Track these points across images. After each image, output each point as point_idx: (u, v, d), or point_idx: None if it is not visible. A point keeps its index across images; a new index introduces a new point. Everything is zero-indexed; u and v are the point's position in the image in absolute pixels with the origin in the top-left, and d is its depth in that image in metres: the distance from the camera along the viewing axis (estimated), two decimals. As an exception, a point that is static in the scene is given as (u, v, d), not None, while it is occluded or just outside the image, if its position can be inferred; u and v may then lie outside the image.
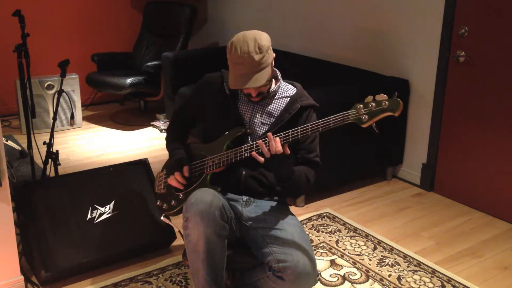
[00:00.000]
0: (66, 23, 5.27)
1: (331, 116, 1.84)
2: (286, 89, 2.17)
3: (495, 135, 3.18)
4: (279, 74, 2.18)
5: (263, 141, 1.90)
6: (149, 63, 4.77)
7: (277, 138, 1.88)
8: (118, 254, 2.62)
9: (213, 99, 2.14)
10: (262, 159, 1.90)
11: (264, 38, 1.97)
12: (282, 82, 2.18)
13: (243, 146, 1.98)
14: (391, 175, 3.80)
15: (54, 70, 4.14)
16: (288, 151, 1.92)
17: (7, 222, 2.31)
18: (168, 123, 2.45)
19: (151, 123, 4.96)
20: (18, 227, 2.55)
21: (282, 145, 1.88)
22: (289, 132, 1.89)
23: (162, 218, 2.18)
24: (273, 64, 2.04)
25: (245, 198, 2.11)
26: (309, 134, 1.88)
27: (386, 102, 1.78)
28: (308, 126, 1.88)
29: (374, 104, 1.79)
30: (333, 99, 3.34)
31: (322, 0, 4.19)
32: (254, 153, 1.91)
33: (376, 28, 3.78)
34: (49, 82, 4.63)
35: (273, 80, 2.12)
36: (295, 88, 2.18)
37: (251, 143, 1.98)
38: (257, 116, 2.10)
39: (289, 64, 4.29)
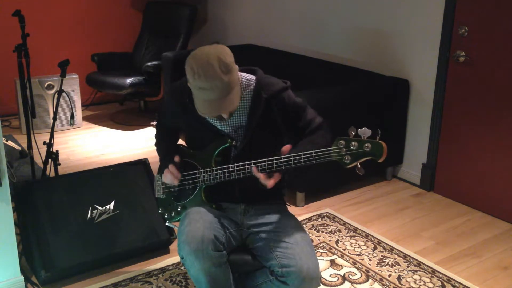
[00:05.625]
0: (66, 23, 5.27)
1: (313, 151, 1.76)
2: (245, 84, 1.96)
3: (495, 135, 3.18)
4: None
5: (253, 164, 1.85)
6: (149, 63, 4.77)
7: (262, 175, 1.82)
8: (118, 254, 2.62)
9: (184, 111, 2.01)
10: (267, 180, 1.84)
11: (227, 54, 1.80)
12: (239, 77, 1.94)
13: (231, 166, 1.92)
14: (391, 175, 3.80)
15: (54, 70, 4.14)
16: (270, 182, 1.84)
17: (7, 222, 2.31)
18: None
19: (151, 123, 4.96)
20: (18, 227, 2.55)
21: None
22: (272, 161, 1.82)
23: (167, 223, 2.19)
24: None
25: (243, 206, 2.06)
26: (292, 165, 1.79)
27: (369, 145, 1.66)
28: (290, 157, 1.80)
29: (356, 144, 1.68)
30: (333, 99, 3.35)
31: (322, 0, 4.19)
32: (261, 175, 1.83)
33: (376, 28, 3.78)
34: (49, 82, 4.63)
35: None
36: (253, 77, 1.98)
37: (237, 164, 1.90)
38: (228, 125, 1.99)
39: (289, 64, 4.30)
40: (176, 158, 2.07)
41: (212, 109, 1.82)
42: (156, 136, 2.27)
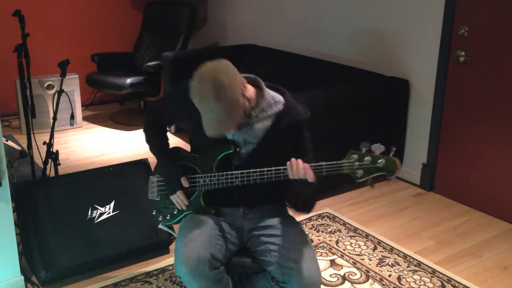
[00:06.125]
0: (66, 23, 5.27)
1: (324, 163, 1.75)
2: (271, 104, 1.91)
3: (495, 135, 3.18)
4: (261, 83, 1.91)
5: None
6: (149, 63, 4.77)
7: (306, 165, 1.74)
8: (118, 254, 2.62)
9: (190, 114, 1.94)
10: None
11: (224, 72, 1.74)
12: (267, 94, 1.90)
13: (234, 173, 1.89)
14: (391, 175, 3.79)
15: (54, 70, 4.14)
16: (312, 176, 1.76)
17: (7, 222, 2.31)
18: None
19: (151, 123, 4.95)
20: (18, 227, 2.55)
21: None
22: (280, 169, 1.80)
23: (160, 226, 2.15)
24: (245, 88, 1.81)
25: (242, 209, 2.04)
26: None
27: (383, 161, 1.65)
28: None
29: (370, 159, 1.67)
30: (333, 99, 3.35)
31: (321, 0, 4.19)
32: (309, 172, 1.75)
33: (376, 28, 3.78)
34: (49, 82, 4.63)
35: (251, 100, 1.85)
36: (281, 99, 1.93)
37: (242, 171, 1.88)
38: (240, 135, 1.95)
39: (289, 64, 4.30)
40: (185, 183, 2.01)
41: (211, 130, 1.77)
42: (147, 131, 2.20)
